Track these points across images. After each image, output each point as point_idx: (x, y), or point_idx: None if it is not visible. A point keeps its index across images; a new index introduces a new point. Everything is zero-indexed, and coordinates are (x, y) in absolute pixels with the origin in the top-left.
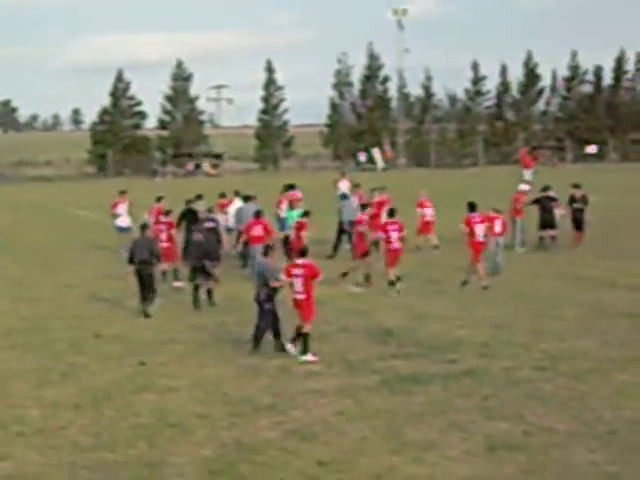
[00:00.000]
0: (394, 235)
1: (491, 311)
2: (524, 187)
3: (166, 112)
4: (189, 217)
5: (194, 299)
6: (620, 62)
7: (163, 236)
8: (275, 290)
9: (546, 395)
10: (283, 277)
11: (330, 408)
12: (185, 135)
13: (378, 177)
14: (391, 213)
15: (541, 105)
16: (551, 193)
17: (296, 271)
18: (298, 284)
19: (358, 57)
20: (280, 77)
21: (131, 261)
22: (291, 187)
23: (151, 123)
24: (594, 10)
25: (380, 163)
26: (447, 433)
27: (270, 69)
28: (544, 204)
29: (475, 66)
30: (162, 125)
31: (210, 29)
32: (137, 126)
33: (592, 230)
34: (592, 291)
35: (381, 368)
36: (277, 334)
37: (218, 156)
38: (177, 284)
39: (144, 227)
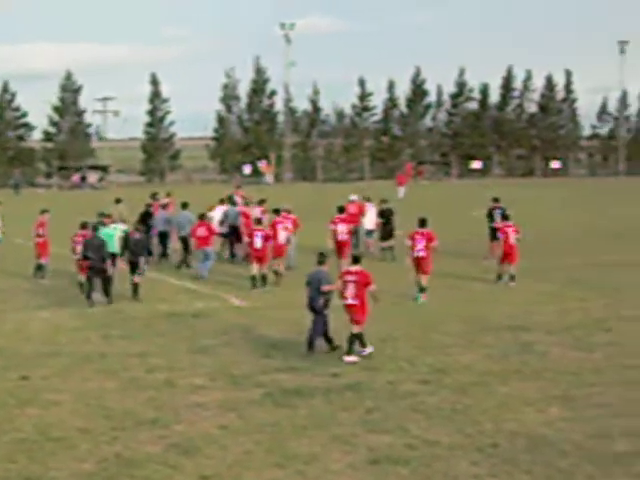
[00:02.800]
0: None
1: (376, 325)
2: (354, 197)
3: (53, 124)
4: (146, 218)
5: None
6: (508, 80)
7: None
8: (329, 297)
9: (429, 408)
10: (338, 283)
11: (213, 422)
12: (71, 147)
13: (264, 190)
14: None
15: (428, 121)
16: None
17: (349, 277)
18: (351, 290)
19: (246, 71)
20: (167, 90)
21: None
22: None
23: (38, 135)
24: (485, 28)
25: (268, 177)
26: (330, 446)
27: (155, 82)
28: (388, 214)
29: (362, 82)
30: (48, 137)
31: (99, 40)
32: (22, 138)
33: (477, 245)
34: (476, 305)
35: (265, 382)
36: (328, 338)
37: (104, 169)
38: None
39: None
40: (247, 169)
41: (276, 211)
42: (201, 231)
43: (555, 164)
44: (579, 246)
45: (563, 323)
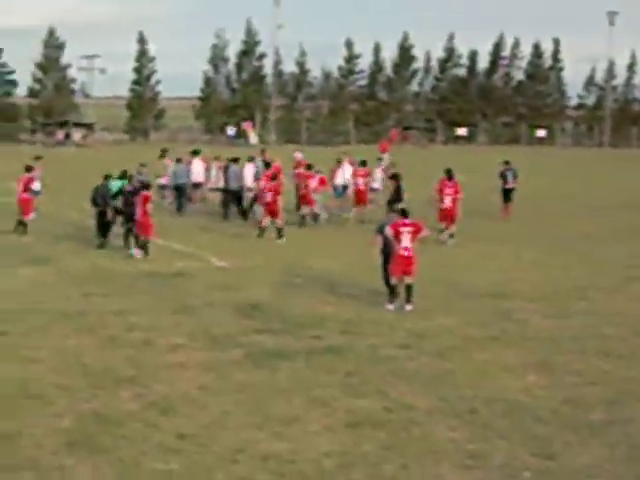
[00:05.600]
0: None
1: (356, 288)
2: (298, 154)
3: (37, 80)
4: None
5: (125, 239)
6: (498, 47)
7: (139, 210)
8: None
9: (409, 373)
10: (389, 232)
11: (193, 382)
12: (56, 104)
13: (250, 151)
14: None
15: (414, 86)
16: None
17: (404, 229)
18: (406, 241)
19: (236, 34)
20: (154, 49)
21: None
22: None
23: (22, 91)
24: None
25: (253, 138)
26: (309, 409)
27: (143, 40)
28: (397, 178)
29: (349, 44)
30: (32, 93)
31: None
32: (8, 93)
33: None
34: (457, 271)
35: (245, 343)
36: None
37: (89, 126)
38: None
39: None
40: (231, 130)
41: (309, 167)
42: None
43: (540, 132)
44: (561, 215)
45: (543, 291)
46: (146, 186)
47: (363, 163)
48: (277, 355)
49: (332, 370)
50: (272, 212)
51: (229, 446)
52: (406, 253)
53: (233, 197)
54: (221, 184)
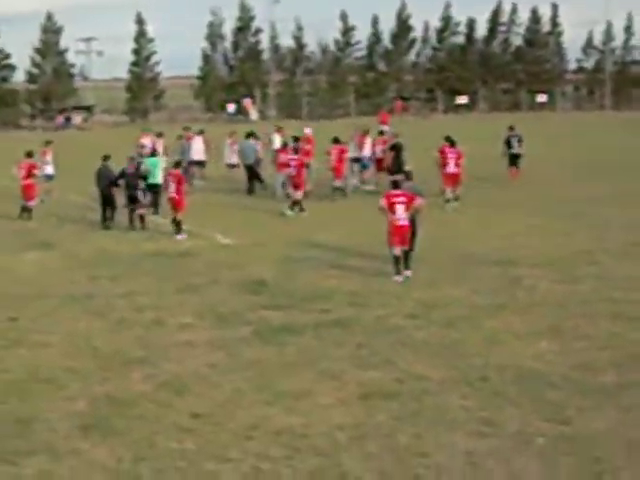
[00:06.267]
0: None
1: (362, 261)
2: (307, 130)
3: (35, 65)
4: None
5: (130, 221)
6: (496, 13)
7: (172, 187)
8: None
9: (418, 343)
10: (382, 203)
11: (202, 360)
12: (55, 88)
13: (253, 127)
14: None
15: (412, 56)
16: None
17: (397, 199)
18: (400, 211)
19: (232, 10)
20: (151, 29)
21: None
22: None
23: (21, 76)
24: None
25: (253, 114)
26: (320, 382)
27: (140, 21)
28: (398, 148)
29: (344, 16)
30: (31, 78)
31: None
32: (5, 79)
33: (465, 179)
34: (463, 240)
35: (253, 319)
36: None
37: (88, 109)
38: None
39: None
40: (231, 108)
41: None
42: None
43: (541, 98)
44: (565, 180)
45: (550, 256)
46: (177, 164)
47: (381, 133)
48: (285, 330)
49: (341, 343)
50: (297, 185)
51: (242, 423)
52: (401, 223)
53: (251, 172)
54: (234, 160)
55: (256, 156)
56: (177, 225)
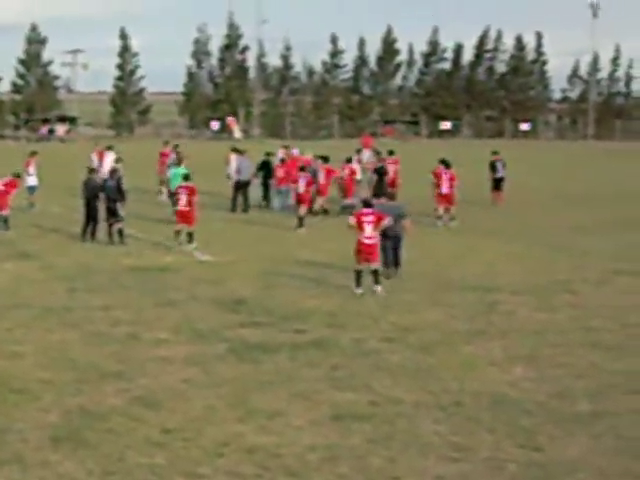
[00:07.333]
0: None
1: (344, 279)
2: (295, 151)
3: (20, 76)
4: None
5: (109, 234)
6: (483, 39)
7: (184, 200)
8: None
9: (394, 366)
10: (351, 221)
11: (177, 376)
12: (39, 99)
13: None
14: None
15: (398, 80)
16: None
17: (366, 218)
18: (369, 230)
19: (218, 28)
20: (137, 44)
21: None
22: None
23: (6, 87)
24: None
25: (237, 132)
26: (293, 402)
27: (124, 36)
28: (381, 172)
29: (334, 39)
30: (16, 89)
31: None
32: None
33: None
34: (442, 265)
35: (229, 336)
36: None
37: (72, 120)
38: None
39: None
40: (215, 125)
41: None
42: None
43: (524, 126)
44: (546, 208)
45: (529, 284)
46: (187, 177)
47: (391, 152)
48: (261, 349)
49: (316, 363)
50: (304, 200)
51: (214, 440)
52: (368, 241)
53: (244, 188)
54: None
55: (250, 173)
56: (190, 237)
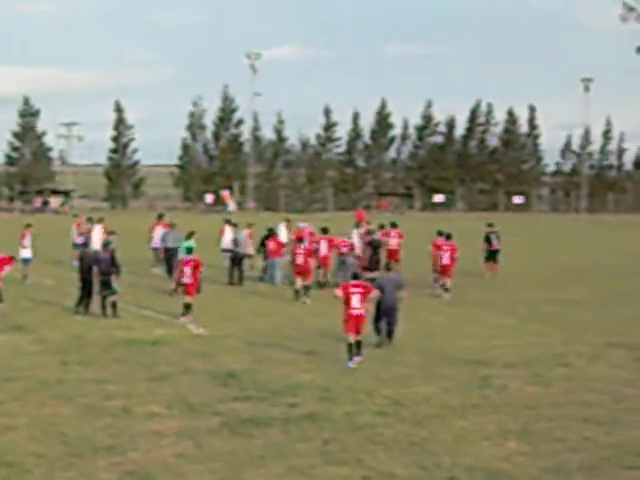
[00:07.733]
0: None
1: (338, 352)
2: (302, 224)
3: (14, 149)
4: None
5: (102, 307)
6: (475, 113)
7: (188, 272)
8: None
9: (387, 440)
10: (338, 293)
11: (170, 450)
12: (33, 171)
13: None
14: None
15: (392, 153)
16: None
17: (354, 290)
18: (356, 301)
19: (213, 100)
20: (131, 116)
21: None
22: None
23: (0, 159)
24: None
25: (231, 205)
26: (286, 477)
27: (119, 109)
28: (376, 245)
29: (327, 112)
30: (10, 161)
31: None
32: None
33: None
34: (435, 338)
35: (222, 410)
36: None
37: (67, 193)
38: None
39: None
40: (209, 198)
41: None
42: (272, 244)
43: (517, 199)
44: (540, 281)
45: (522, 357)
46: (190, 250)
47: (394, 225)
48: (253, 423)
49: (309, 438)
50: (304, 272)
51: None
52: (356, 313)
53: (240, 261)
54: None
55: (244, 246)
56: (187, 308)
